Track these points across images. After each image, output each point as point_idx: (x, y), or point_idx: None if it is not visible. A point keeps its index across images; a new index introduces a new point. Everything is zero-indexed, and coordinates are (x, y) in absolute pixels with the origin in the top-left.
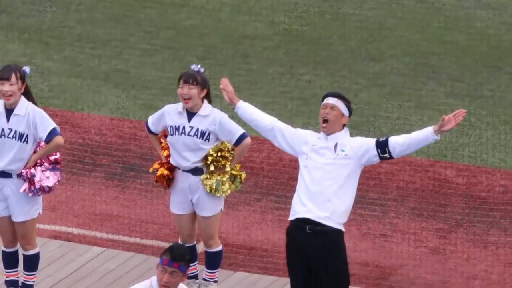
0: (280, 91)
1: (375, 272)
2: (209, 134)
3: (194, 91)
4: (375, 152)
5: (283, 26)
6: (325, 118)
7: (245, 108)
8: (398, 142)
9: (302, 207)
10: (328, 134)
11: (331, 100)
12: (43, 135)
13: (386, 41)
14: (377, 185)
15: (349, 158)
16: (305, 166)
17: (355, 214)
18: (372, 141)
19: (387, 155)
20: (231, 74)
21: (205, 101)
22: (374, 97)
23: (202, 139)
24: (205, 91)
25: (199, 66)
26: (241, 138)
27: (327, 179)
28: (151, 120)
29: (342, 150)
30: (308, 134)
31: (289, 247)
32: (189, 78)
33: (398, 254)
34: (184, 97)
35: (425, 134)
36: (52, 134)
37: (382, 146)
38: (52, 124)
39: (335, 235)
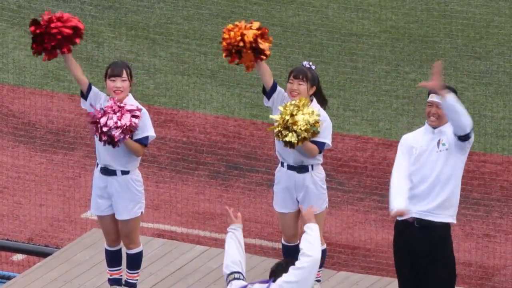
0: (385, 89)
1: (478, 272)
2: None
3: (303, 87)
4: (456, 137)
5: (390, 24)
6: (432, 118)
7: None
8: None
9: (410, 204)
10: (435, 128)
11: (435, 98)
12: (136, 134)
13: (493, 39)
14: (481, 185)
15: (448, 150)
16: (412, 164)
17: (458, 214)
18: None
19: (461, 136)
20: (337, 72)
21: (314, 100)
22: (479, 96)
23: None
24: (314, 89)
25: (310, 63)
26: (322, 145)
27: (434, 176)
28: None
29: (443, 144)
30: (411, 140)
31: (396, 241)
32: (300, 73)
33: (501, 255)
34: (293, 93)
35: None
36: (142, 140)
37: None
38: (148, 132)
39: (443, 229)
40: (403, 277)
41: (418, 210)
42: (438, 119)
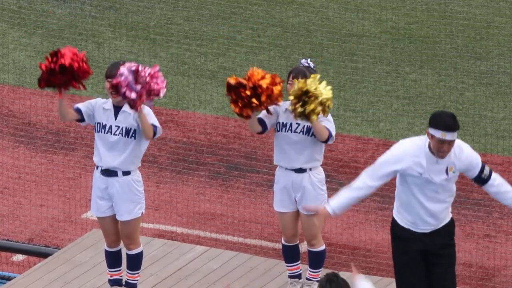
0: (386, 90)
1: (478, 273)
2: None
3: None
4: (473, 178)
5: (390, 24)
6: (442, 154)
7: (337, 205)
8: (496, 188)
9: (422, 223)
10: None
11: (449, 137)
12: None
13: (493, 40)
14: None
15: (455, 174)
16: (416, 184)
17: (459, 215)
18: (477, 167)
19: (480, 185)
20: (337, 72)
21: None
22: (480, 96)
23: (303, 134)
24: None
25: (308, 60)
26: (330, 134)
27: (443, 196)
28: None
29: (454, 172)
30: (407, 163)
31: (399, 247)
32: (299, 74)
33: (502, 255)
34: None
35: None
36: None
37: (481, 182)
38: (155, 122)
39: (447, 227)
40: (416, 276)
41: (429, 227)
42: (446, 154)
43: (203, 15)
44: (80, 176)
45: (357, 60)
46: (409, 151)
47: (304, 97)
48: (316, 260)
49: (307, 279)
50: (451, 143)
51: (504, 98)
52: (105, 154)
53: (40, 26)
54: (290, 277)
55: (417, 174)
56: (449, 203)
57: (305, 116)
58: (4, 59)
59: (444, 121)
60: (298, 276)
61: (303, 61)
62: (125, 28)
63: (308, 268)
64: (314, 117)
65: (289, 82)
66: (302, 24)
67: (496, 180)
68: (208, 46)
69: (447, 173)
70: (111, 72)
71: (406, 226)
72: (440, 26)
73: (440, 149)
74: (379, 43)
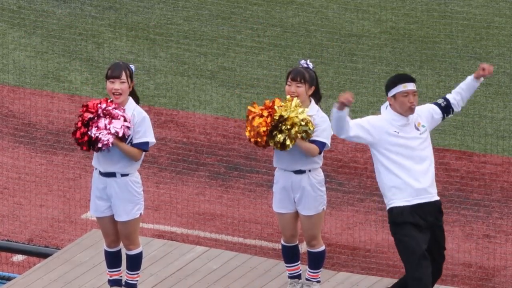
0: None
1: (478, 273)
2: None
3: (301, 89)
4: (441, 116)
5: (390, 24)
6: (413, 107)
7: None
8: (456, 98)
9: (415, 192)
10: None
11: (410, 87)
12: (136, 139)
13: (493, 40)
14: (481, 186)
15: (427, 130)
16: (395, 151)
17: (458, 215)
18: (433, 106)
19: (451, 114)
20: (337, 73)
21: (313, 101)
22: (480, 96)
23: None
24: (312, 89)
25: (308, 61)
26: (322, 145)
27: (423, 156)
28: None
29: (423, 126)
30: (381, 121)
31: (409, 225)
32: (297, 75)
33: (502, 255)
34: (292, 95)
35: (469, 82)
36: (141, 145)
37: (447, 109)
38: (148, 138)
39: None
40: (414, 237)
41: (418, 195)
42: (415, 108)
43: (203, 15)
44: (80, 177)
45: (356, 60)
46: (382, 117)
47: (281, 124)
48: (315, 260)
49: (307, 279)
50: (415, 94)
51: (504, 99)
52: (103, 159)
53: (40, 26)
54: (290, 277)
55: (394, 133)
56: (432, 167)
57: (282, 145)
58: (4, 59)
59: (400, 76)
60: (298, 277)
61: (302, 62)
62: (125, 28)
63: (308, 268)
64: (288, 144)
65: (288, 83)
66: (302, 24)
67: (452, 95)
68: (207, 46)
69: (417, 129)
70: (112, 73)
71: (402, 204)
72: (440, 26)
73: (407, 104)
74: (378, 43)
